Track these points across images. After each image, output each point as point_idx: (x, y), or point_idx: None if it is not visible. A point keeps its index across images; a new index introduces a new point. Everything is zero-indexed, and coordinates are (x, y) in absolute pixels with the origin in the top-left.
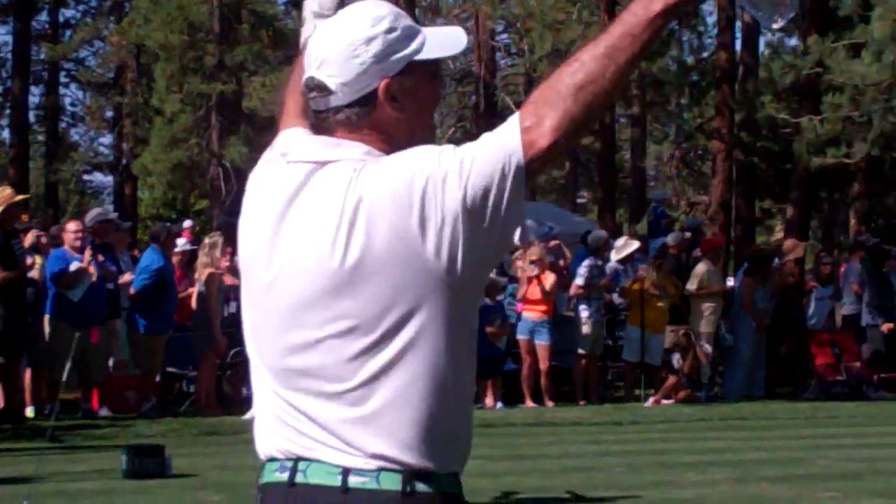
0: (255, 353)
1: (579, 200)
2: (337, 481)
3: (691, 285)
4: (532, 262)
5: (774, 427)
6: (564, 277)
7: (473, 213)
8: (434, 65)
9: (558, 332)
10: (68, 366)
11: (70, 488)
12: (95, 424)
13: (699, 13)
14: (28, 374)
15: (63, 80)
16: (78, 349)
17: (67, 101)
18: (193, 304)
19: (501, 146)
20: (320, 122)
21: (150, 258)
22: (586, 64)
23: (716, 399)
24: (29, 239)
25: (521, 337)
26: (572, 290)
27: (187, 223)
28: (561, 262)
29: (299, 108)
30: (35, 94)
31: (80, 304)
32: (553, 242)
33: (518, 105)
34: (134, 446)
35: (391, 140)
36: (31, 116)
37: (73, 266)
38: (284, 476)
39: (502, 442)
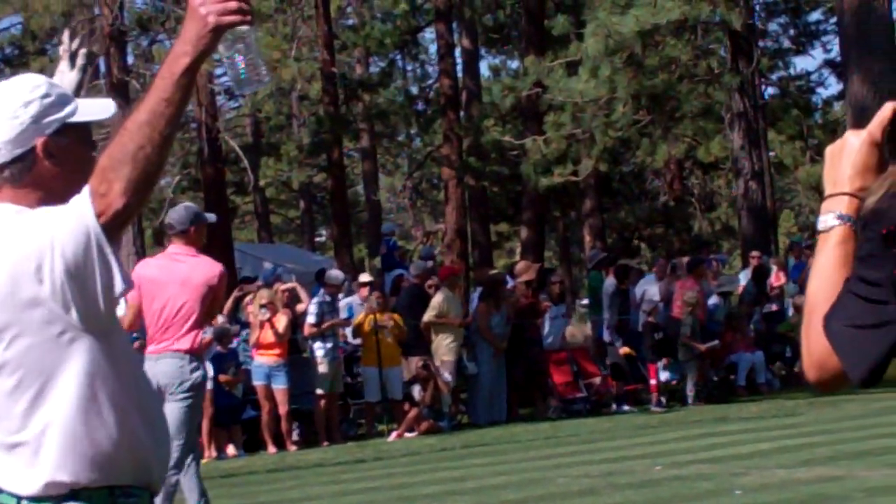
0: None
1: (318, 238)
2: None
3: (429, 314)
4: (262, 307)
5: (516, 450)
6: (300, 318)
7: (76, 276)
8: (85, 128)
9: (296, 373)
10: None
11: None
12: None
13: (419, 42)
14: None
15: None
16: None
17: None
18: None
19: (79, 217)
20: None
21: None
22: (134, 133)
23: (460, 427)
24: None
25: (258, 382)
26: (306, 330)
27: None
28: (300, 306)
29: None
30: None
31: None
32: (288, 285)
33: (244, 148)
34: None
35: (52, 195)
36: None
37: None
38: None
39: (243, 491)
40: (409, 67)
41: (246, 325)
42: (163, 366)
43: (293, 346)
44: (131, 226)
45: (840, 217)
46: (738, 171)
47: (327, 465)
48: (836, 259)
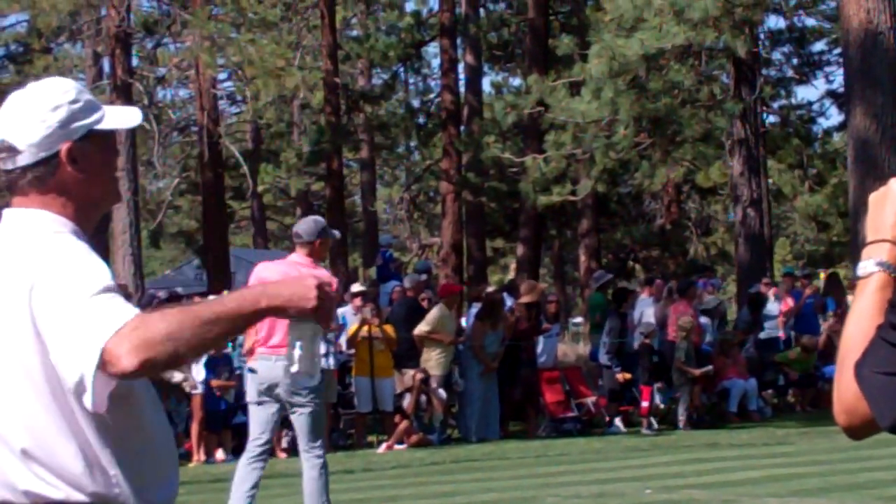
0: None
1: None
2: None
3: (422, 328)
4: None
5: (507, 467)
6: None
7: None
8: (111, 136)
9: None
10: None
11: None
12: None
13: (423, 56)
14: None
15: None
16: None
17: None
18: None
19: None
20: (10, 183)
21: None
22: (185, 328)
23: (449, 441)
24: None
25: None
26: None
27: None
28: None
29: None
30: None
31: None
32: None
33: (244, 154)
34: None
35: (75, 200)
36: None
37: None
38: None
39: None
40: (411, 81)
41: None
42: (278, 367)
43: None
44: (129, 227)
45: (879, 264)
46: (737, 197)
47: None
48: (873, 305)
